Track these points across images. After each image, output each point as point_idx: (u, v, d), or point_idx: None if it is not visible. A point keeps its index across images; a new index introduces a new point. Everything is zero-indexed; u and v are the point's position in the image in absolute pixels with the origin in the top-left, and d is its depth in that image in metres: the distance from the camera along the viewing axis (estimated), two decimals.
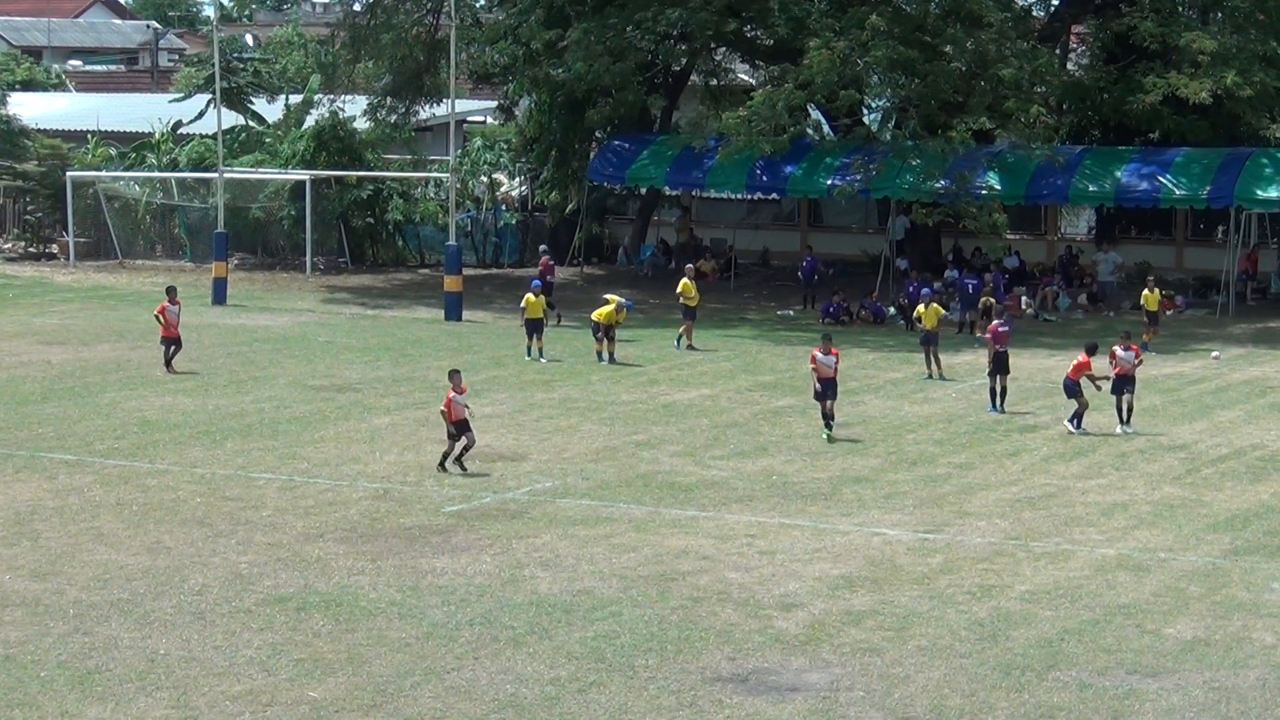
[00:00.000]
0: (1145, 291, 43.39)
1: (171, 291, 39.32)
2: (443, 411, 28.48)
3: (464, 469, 28.22)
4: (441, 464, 28.36)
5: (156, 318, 38.71)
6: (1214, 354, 41.82)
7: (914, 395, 36.36)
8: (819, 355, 31.45)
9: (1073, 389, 31.92)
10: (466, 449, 28.27)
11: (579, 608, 21.12)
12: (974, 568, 23.06)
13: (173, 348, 38.14)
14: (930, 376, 37.99)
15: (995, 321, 35.46)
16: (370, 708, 17.79)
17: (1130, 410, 32.21)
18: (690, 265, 45.92)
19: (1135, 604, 21.51)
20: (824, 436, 31.22)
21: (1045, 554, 23.84)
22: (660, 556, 23.43)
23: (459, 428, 28.20)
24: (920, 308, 39.29)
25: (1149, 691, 18.49)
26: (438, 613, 20.85)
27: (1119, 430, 31.88)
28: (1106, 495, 27.41)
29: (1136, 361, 32.50)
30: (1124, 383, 32.29)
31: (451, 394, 28.30)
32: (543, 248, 54.06)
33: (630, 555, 23.49)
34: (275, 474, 28.18)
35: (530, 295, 40.66)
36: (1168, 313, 49.98)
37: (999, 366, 34.18)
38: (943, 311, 39.61)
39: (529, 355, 40.28)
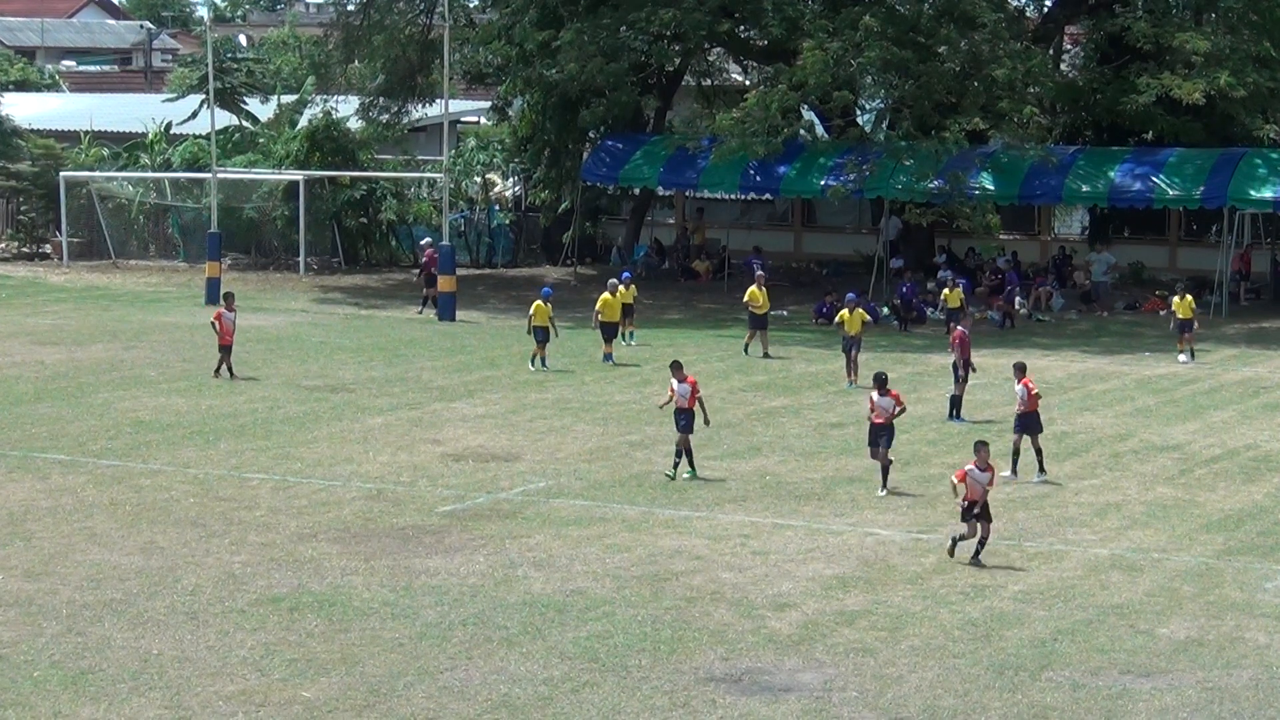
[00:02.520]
0: (1176, 299, 41.72)
1: (229, 298, 38.64)
2: (953, 483, 23.70)
3: (980, 563, 23.24)
4: (975, 557, 23.31)
5: (212, 324, 37.81)
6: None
7: (907, 395, 36.27)
8: (675, 384, 28.31)
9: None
10: (982, 541, 23.28)
11: (572, 608, 21.12)
12: (967, 568, 23.05)
13: (226, 355, 37.29)
14: (852, 385, 36.76)
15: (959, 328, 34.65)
16: (363, 708, 17.78)
17: (1041, 455, 28.39)
18: (761, 273, 43.97)
19: (1128, 604, 21.53)
20: (667, 474, 27.95)
21: (1039, 554, 23.85)
22: (654, 557, 23.43)
23: (978, 510, 23.29)
24: (844, 312, 37.67)
25: (1142, 691, 18.50)
26: (431, 613, 20.84)
27: (1035, 479, 28.04)
28: (1100, 495, 27.42)
29: (1034, 393, 28.46)
30: (1029, 422, 28.48)
31: (971, 466, 23.47)
32: (426, 239, 53.96)
33: (624, 555, 23.49)
34: (269, 474, 28.16)
35: (539, 302, 39.34)
36: (1161, 313, 50.05)
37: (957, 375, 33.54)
38: (867, 317, 38.07)
39: (533, 365, 38.71)
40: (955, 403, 33.61)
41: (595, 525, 25.13)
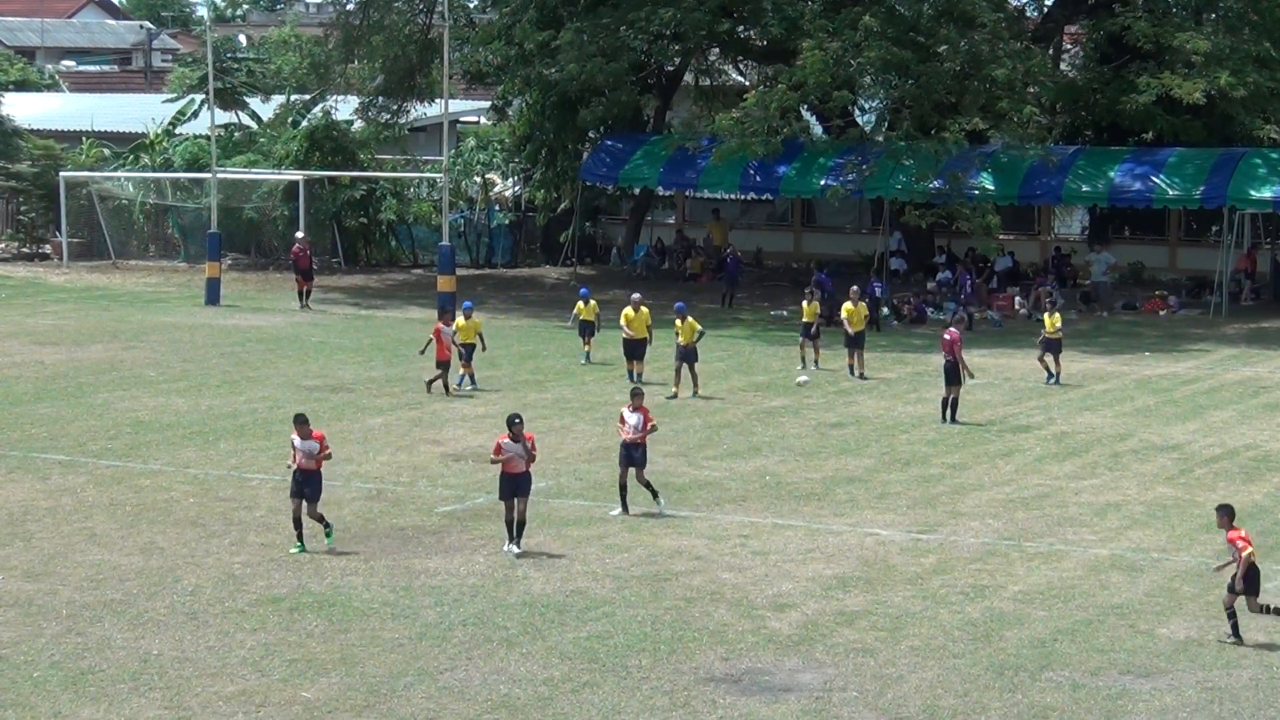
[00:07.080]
0: (1045, 315, 38.29)
1: (447, 315, 37.49)
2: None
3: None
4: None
5: (450, 341, 36.05)
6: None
7: (907, 395, 36.37)
8: (296, 441, 23.84)
9: None
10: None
11: (572, 608, 21.12)
12: (967, 568, 23.07)
13: (445, 370, 35.77)
14: (695, 394, 35.44)
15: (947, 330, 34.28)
16: (363, 708, 17.78)
17: (626, 491, 25.82)
18: (855, 288, 39.93)
19: (1128, 604, 21.53)
20: (293, 549, 23.48)
21: (1038, 554, 23.85)
22: (653, 557, 23.43)
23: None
24: (677, 322, 36.08)
25: (1142, 692, 18.50)
26: (431, 613, 20.84)
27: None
28: (1099, 495, 27.43)
29: (649, 426, 25.72)
30: (631, 451, 25.71)
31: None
32: (299, 233, 53.74)
33: (623, 555, 23.49)
34: (268, 474, 28.15)
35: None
36: (1160, 313, 50.10)
37: (947, 377, 33.29)
38: (698, 327, 36.09)
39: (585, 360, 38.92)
40: (953, 405, 33.54)
41: (595, 525, 25.13)
